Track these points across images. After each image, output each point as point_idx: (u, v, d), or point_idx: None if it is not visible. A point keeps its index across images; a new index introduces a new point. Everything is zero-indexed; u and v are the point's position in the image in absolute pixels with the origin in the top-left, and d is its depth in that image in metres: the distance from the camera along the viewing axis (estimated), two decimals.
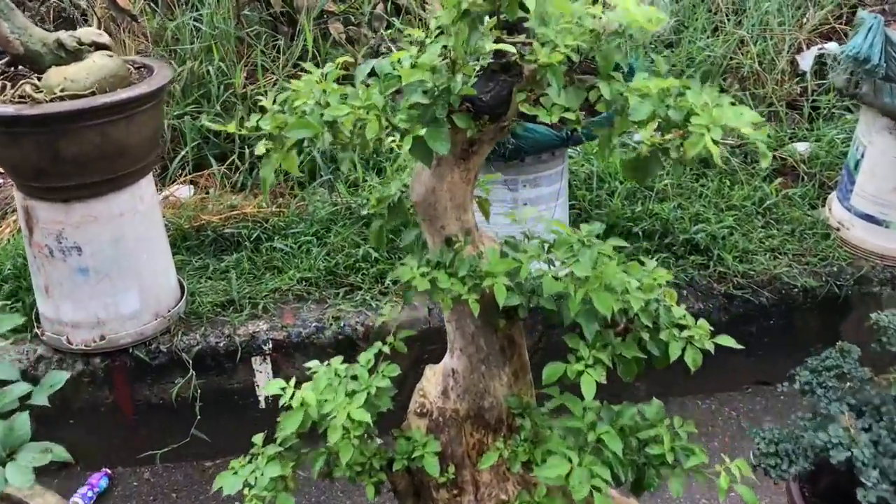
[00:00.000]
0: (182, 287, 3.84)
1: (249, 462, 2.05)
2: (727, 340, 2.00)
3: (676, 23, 5.06)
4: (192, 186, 4.42)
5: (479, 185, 2.07)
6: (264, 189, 1.80)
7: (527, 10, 1.53)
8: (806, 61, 4.96)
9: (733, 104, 1.62)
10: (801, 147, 4.69)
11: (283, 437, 2.00)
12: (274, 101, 1.80)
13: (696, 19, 5.03)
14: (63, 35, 3.27)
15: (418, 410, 2.07)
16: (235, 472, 2.01)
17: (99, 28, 4.54)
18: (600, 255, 1.89)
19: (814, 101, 4.95)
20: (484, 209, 2.12)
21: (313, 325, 3.72)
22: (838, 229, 4.15)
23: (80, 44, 3.31)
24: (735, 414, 4.05)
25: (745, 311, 3.96)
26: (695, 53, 4.92)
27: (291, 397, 1.96)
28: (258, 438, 2.09)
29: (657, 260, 3.99)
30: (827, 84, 4.89)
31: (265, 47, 4.73)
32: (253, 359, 3.70)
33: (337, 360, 2.10)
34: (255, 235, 4.12)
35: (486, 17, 1.62)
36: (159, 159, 4.37)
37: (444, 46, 1.70)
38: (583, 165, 4.32)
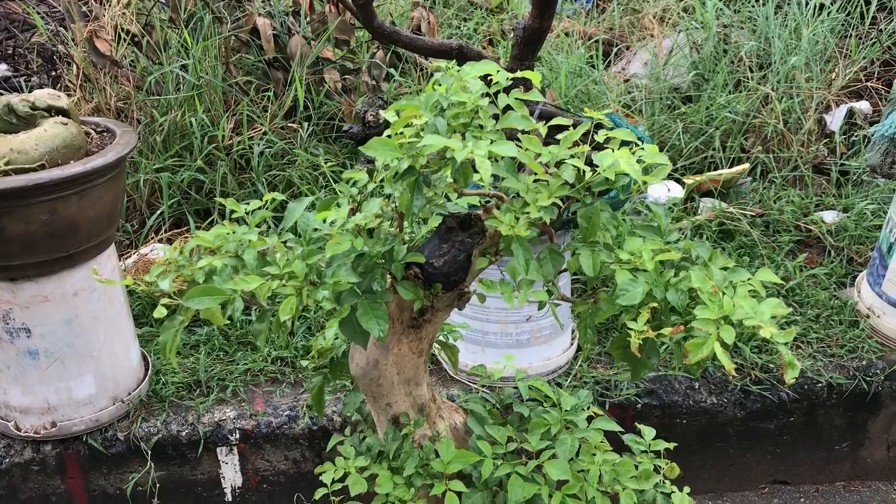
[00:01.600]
0: (146, 363, 3.49)
1: None
2: None
3: (696, 76, 4.67)
4: (168, 246, 4.08)
5: (444, 332, 1.70)
6: (164, 355, 1.43)
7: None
8: (835, 121, 4.55)
9: (753, 293, 1.24)
10: (828, 216, 4.28)
11: None
12: (181, 252, 1.44)
13: (718, 73, 4.64)
14: (13, 99, 2.94)
15: None
16: None
17: (77, 74, 4.22)
18: (584, 443, 1.51)
19: (842, 164, 4.54)
20: (451, 359, 1.75)
21: (285, 413, 3.36)
22: (868, 316, 3.74)
23: (34, 108, 2.98)
24: None
25: (762, 406, 3.55)
26: (715, 111, 4.52)
27: None
28: None
29: (666, 348, 3.60)
30: (856, 147, 4.48)
31: (255, 96, 4.39)
32: (218, 449, 3.35)
33: None
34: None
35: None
36: (118, 231, 4.04)
37: (391, 195, 1.33)
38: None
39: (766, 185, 4.53)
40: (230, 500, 3.43)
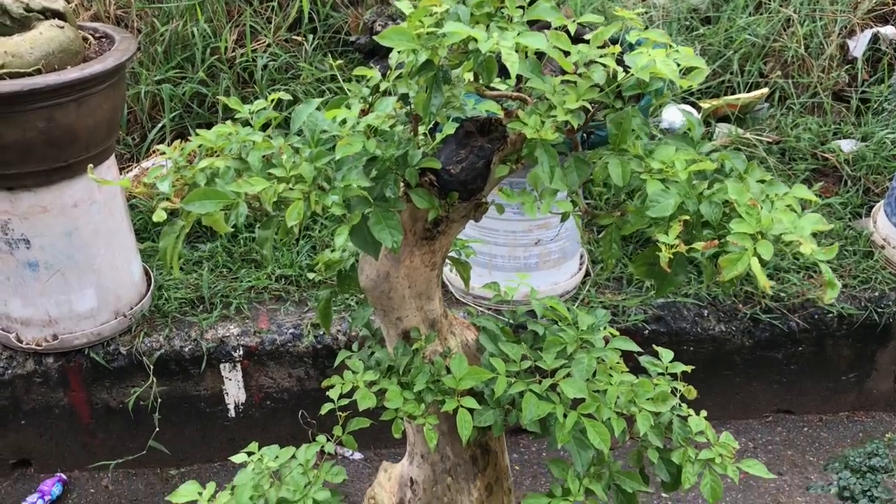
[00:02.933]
0: (149, 278, 3.43)
1: None
2: (757, 468, 1.57)
3: None
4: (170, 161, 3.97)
5: (456, 248, 1.62)
6: (165, 262, 1.36)
7: (507, 74, 1.06)
8: (858, 47, 4.38)
9: (791, 208, 1.15)
10: (846, 145, 4.16)
11: None
12: (181, 152, 1.35)
13: None
14: (6, 0, 2.80)
15: None
16: None
17: None
18: (601, 363, 1.44)
19: (863, 92, 4.40)
20: (463, 275, 1.67)
21: (290, 331, 3.31)
22: (883, 247, 3.66)
23: (28, 10, 2.84)
24: (752, 445, 3.63)
25: (771, 335, 3.50)
26: (734, 33, 4.35)
27: None
28: None
29: None
30: (880, 74, 4.33)
31: (259, 6, 4.23)
32: (222, 365, 3.31)
33: (269, 453, 1.68)
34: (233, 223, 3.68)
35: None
36: (119, 142, 3.93)
37: (405, 96, 1.23)
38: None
39: (783, 111, 4.39)
40: (233, 416, 3.41)
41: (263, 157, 1.26)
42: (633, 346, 1.53)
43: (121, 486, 3.48)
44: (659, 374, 1.61)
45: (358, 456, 3.58)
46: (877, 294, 3.53)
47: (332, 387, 1.48)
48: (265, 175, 1.21)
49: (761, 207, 1.15)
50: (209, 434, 3.41)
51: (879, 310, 3.50)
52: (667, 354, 1.64)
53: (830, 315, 3.48)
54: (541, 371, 1.45)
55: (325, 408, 1.66)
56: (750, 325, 3.49)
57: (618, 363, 1.54)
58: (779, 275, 3.56)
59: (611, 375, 1.46)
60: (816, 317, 3.49)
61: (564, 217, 1.29)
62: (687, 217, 1.17)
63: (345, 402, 1.68)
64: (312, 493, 1.59)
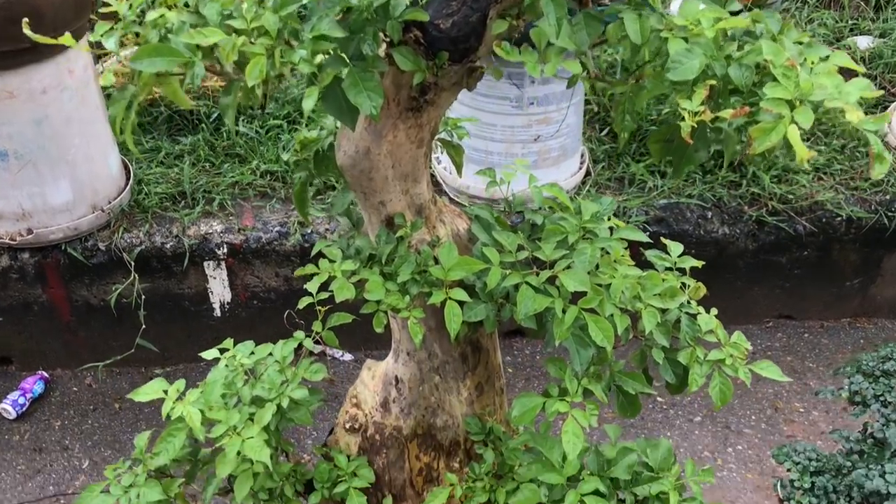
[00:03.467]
0: (127, 172, 3.26)
1: (129, 470, 1.55)
2: (771, 371, 1.44)
3: None
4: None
5: (447, 128, 1.45)
6: (115, 132, 1.19)
7: None
8: None
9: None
10: (862, 42, 3.94)
11: (157, 466, 1.49)
12: (130, 6, 1.17)
13: None
14: None
15: (349, 424, 1.55)
16: (105, 491, 1.51)
17: None
18: (605, 255, 1.30)
19: None
20: (455, 160, 1.51)
21: (275, 229, 3.16)
22: None
23: None
24: (751, 351, 3.54)
25: (776, 238, 3.36)
26: None
27: (171, 409, 1.43)
28: (142, 439, 1.58)
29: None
30: None
31: None
32: (205, 263, 3.17)
33: (244, 349, 1.56)
34: (216, 114, 3.49)
35: None
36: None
37: None
38: (605, 52, 3.60)
39: (798, 4, 4.14)
40: (219, 314, 3.30)
41: (223, 10, 1.08)
42: (640, 236, 1.38)
43: (104, 385, 3.39)
44: (667, 268, 1.47)
45: (348, 357, 3.48)
46: (888, 197, 3.38)
47: (309, 278, 1.34)
48: (224, 27, 1.03)
49: (799, 70, 0.99)
50: (195, 333, 3.30)
51: (890, 213, 3.35)
52: (676, 248, 1.49)
53: (839, 218, 3.34)
54: (538, 263, 1.31)
55: (304, 301, 1.52)
56: (755, 228, 3.34)
57: (623, 256, 1.40)
58: (787, 176, 3.39)
59: (615, 268, 1.32)
60: (824, 220, 3.34)
61: (572, 82, 1.11)
62: (713, 82, 1.01)
63: (324, 295, 1.54)
64: (289, 392, 1.47)
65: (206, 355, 1.57)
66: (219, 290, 3.25)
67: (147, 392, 1.44)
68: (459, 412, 1.52)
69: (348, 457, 1.54)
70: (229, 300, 3.27)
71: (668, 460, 1.45)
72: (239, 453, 1.40)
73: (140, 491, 1.50)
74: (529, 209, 1.44)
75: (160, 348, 3.28)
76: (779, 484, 1.73)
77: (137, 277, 3.11)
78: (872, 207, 3.35)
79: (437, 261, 1.27)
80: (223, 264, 3.18)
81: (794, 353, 3.54)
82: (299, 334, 1.54)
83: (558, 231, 1.30)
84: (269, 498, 1.53)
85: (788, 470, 1.74)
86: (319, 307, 1.53)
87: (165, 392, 1.45)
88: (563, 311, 1.24)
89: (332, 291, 1.36)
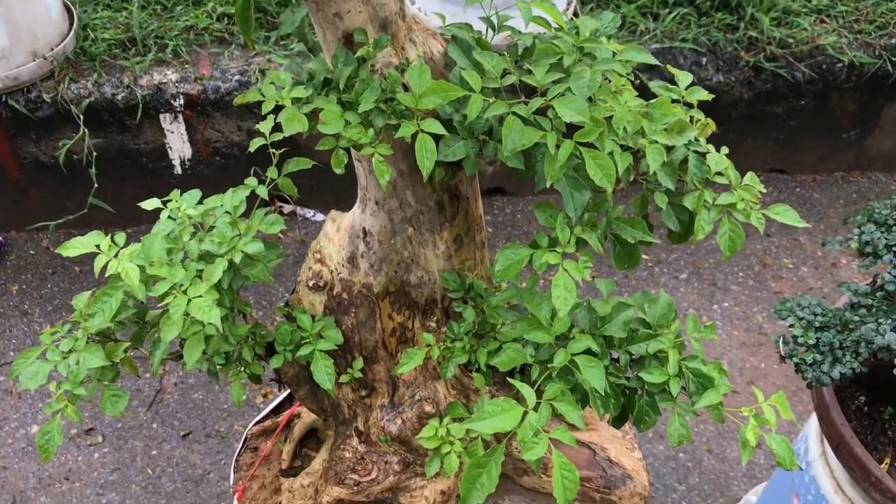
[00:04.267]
0: (70, 16, 2.95)
1: (69, 334, 1.38)
2: (788, 216, 1.27)
3: None
4: None
5: None
6: None
7: None
8: None
9: None
10: None
11: (98, 329, 1.32)
12: None
13: None
14: None
15: (312, 282, 1.38)
16: (41, 357, 1.34)
17: None
18: (605, 82, 1.09)
19: None
20: None
21: (235, 78, 2.90)
22: None
23: None
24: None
25: (773, 86, 3.14)
26: None
27: (106, 265, 1.24)
28: (81, 300, 1.40)
29: (675, 16, 3.11)
30: None
31: None
32: (161, 116, 2.93)
33: (191, 199, 1.36)
34: None
35: None
36: None
37: None
38: None
39: None
40: (179, 172, 3.08)
41: None
42: (648, 58, 1.17)
43: None
44: (673, 101, 1.27)
45: (320, 217, 3.30)
46: (893, 41, 3.15)
47: (250, 109, 1.12)
48: None
49: None
50: (154, 192, 3.00)
51: (894, 59, 3.13)
52: (684, 77, 1.29)
53: (840, 64, 3.12)
54: (528, 90, 1.11)
55: (255, 144, 1.32)
56: (751, 76, 3.12)
57: (624, 86, 1.19)
58: (787, 18, 3.14)
59: (616, 98, 1.12)
60: (825, 66, 3.12)
61: None
62: None
63: (278, 136, 1.33)
64: (241, 245, 1.29)
65: (145, 205, 1.38)
66: (178, 145, 3.01)
67: (77, 246, 1.25)
68: (436, 267, 1.35)
69: (313, 317, 1.38)
70: (190, 156, 3.05)
71: (668, 316, 1.30)
72: (187, 315, 1.23)
73: (80, 357, 1.33)
74: (516, 30, 1.22)
75: (118, 208, 3.08)
76: (780, 340, 1.61)
77: (87, 132, 2.87)
78: (876, 52, 3.12)
79: (406, 87, 1.07)
80: (180, 117, 2.93)
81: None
82: (251, 181, 1.35)
83: (551, 51, 1.09)
84: (225, 362, 1.38)
85: (791, 326, 1.61)
86: (273, 150, 1.33)
87: (98, 247, 1.26)
88: (557, 147, 1.04)
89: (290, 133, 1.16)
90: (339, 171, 1.07)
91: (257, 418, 1.75)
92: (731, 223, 1.26)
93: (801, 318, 1.61)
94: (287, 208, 3.29)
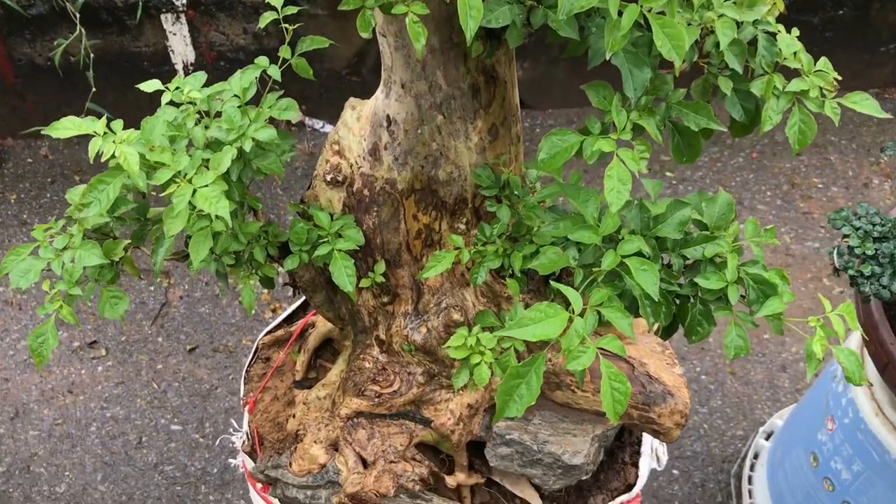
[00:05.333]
0: None
1: (61, 232, 1.25)
2: (868, 105, 1.12)
3: None
4: None
5: None
6: None
7: None
8: None
9: None
10: None
11: (95, 224, 1.19)
12: None
13: None
14: None
15: (330, 176, 1.24)
16: (33, 254, 1.21)
17: None
18: None
19: None
20: None
21: None
22: None
23: None
24: (764, 140, 3.22)
25: None
26: None
27: (99, 152, 1.10)
28: (75, 193, 1.26)
29: None
30: None
31: None
32: (163, 16, 2.75)
33: (195, 81, 1.22)
34: None
35: None
36: None
37: None
38: None
39: None
40: (183, 77, 2.91)
41: None
42: None
43: (62, 156, 3.06)
44: None
45: (329, 128, 3.14)
46: None
47: (256, 10, 0.97)
48: None
49: None
50: (157, 99, 2.92)
51: None
52: None
53: None
54: None
55: (264, 20, 1.17)
56: None
57: None
58: None
59: None
60: None
61: None
62: None
63: (292, 9, 1.18)
64: (252, 132, 1.15)
65: (144, 87, 1.24)
66: (180, 48, 2.84)
67: (69, 126, 1.11)
68: (467, 161, 1.21)
69: (331, 216, 1.25)
70: (193, 61, 2.87)
71: (727, 217, 1.16)
72: (192, 208, 1.10)
73: (76, 254, 1.20)
74: None
75: (119, 115, 2.91)
76: (835, 252, 1.48)
77: (84, 32, 2.68)
78: None
79: None
80: (183, 18, 2.75)
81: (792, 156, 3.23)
82: (262, 60, 1.20)
83: None
84: (235, 263, 1.25)
85: (846, 236, 1.48)
86: (287, 25, 1.18)
87: (94, 133, 1.12)
88: (620, 13, 0.89)
89: (302, 7, 1.01)
90: (365, 34, 0.92)
91: (269, 327, 1.63)
92: (802, 113, 1.11)
93: (857, 228, 1.47)
94: (295, 118, 3.12)
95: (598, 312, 1.05)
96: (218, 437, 2.43)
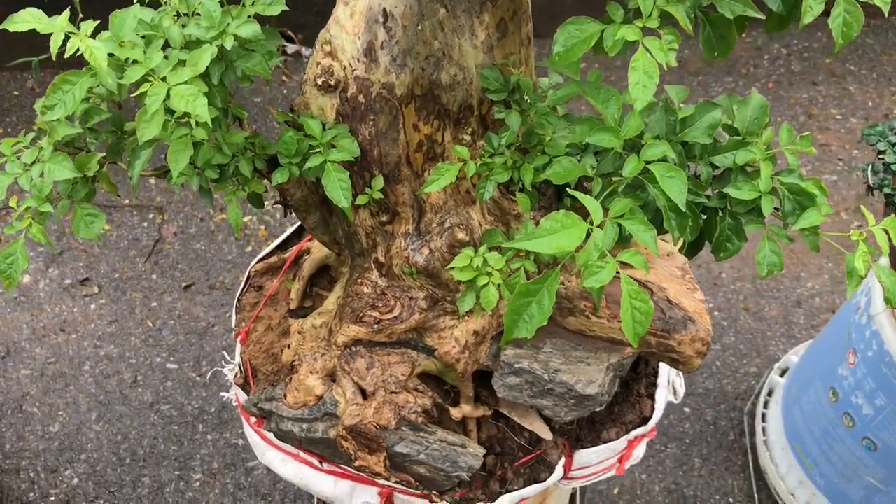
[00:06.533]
0: None
1: (31, 146, 1.14)
2: None
3: None
4: None
5: None
6: None
7: None
8: None
9: None
10: None
11: (65, 135, 1.08)
12: None
13: None
14: None
15: (321, 80, 1.12)
16: None
17: None
18: None
19: None
20: None
21: None
22: None
23: None
24: (785, 52, 3.07)
25: None
26: None
27: (64, 45, 0.99)
28: (42, 102, 1.15)
29: None
30: None
31: None
32: None
33: None
34: None
35: None
36: None
37: None
38: None
39: None
40: None
41: None
42: None
43: None
44: None
45: None
46: None
47: None
48: None
49: None
50: None
51: None
52: None
53: None
54: None
55: None
56: None
57: None
58: None
59: None
60: None
61: None
62: None
63: None
64: (234, 28, 1.03)
65: None
66: None
67: (26, 20, 0.99)
68: (473, 62, 1.09)
69: (323, 125, 1.14)
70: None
71: (761, 121, 1.05)
72: (170, 113, 0.99)
73: (45, 167, 1.09)
74: None
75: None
76: (869, 169, 1.36)
77: None
78: None
79: None
80: None
81: (833, 54, 3.08)
82: None
83: None
84: (219, 177, 1.14)
85: (881, 153, 1.36)
86: None
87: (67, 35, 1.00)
88: None
89: None
90: None
91: (261, 254, 1.53)
92: (847, 2, 0.99)
93: (893, 144, 1.36)
94: (291, 48, 2.98)
95: (619, 225, 0.95)
96: (215, 375, 2.35)
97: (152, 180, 2.74)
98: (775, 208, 1.04)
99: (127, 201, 2.70)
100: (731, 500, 2.18)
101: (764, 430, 2.22)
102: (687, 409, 2.31)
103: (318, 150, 1.11)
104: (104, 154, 1.16)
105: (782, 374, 2.30)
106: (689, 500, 2.18)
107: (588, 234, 0.92)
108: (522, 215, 1.17)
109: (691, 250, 1.08)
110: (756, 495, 2.18)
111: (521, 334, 0.97)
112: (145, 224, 2.65)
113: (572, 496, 2.13)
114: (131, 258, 2.58)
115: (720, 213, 1.05)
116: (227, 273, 2.56)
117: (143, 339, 2.43)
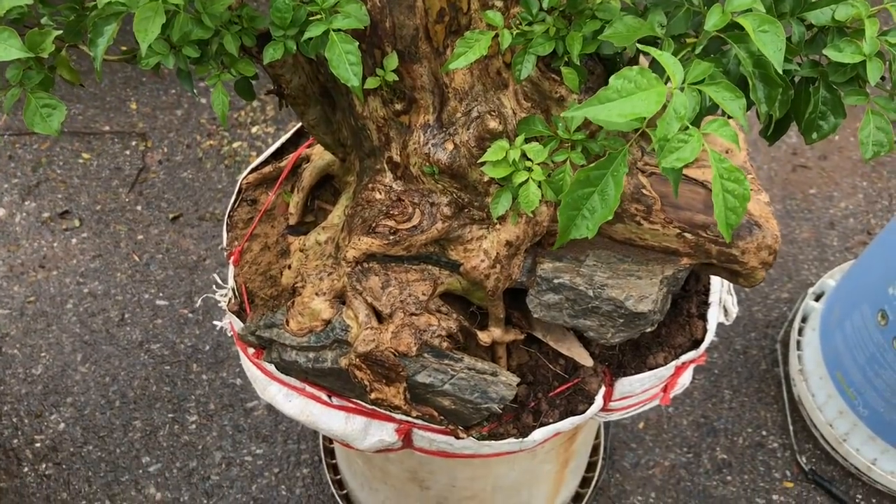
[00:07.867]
0: None
1: None
2: None
3: None
4: None
5: None
6: None
7: None
8: None
9: None
10: None
11: (11, 4, 0.87)
12: None
13: None
14: None
15: None
16: None
17: None
18: None
19: None
20: None
21: None
22: None
23: None
24: None
25: None
26: None
27: None
28: None
29: None
30: None
31: None
32: None
33: None
34: None
35: None
36: None
37: None
38: None
39: None
40: None
41: None
42: None
43: None
44: None
45: None
46: None
47: None
48: None
49: None
50: None
51: None
52: None
53: None
54: None
55: None
56: None
57: None
58: None
59: None
60: None
61: None
62: None
63: None
64: None
65: None
66: None
67: None
68: None
69: None
70: None
71: None
72: None
73: None
74: None
75: None
76: None
77: None
78: None
79: None
80: None
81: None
82: None
83: None
84: (200, 57, 0.94)
85: None
86: None
87: None
88: None
89: None
90: None
91: (254, 163, 1.33)
92: (876, 117, 0.80)
93: None
94: None
95: (700, 92, 0.75)
96: (208, 311, 2.17)
97: (133, 104, 2.52)
98: (881, 77, 0.84)
99: (107, 128, 2.48)
100: (763, 432, 2.03)
101: (799, 358, 2.06)
102: (715, 338, 2.15)
103: (319, 16, 0.90)
104: (60, 32, 0.95)
105: (817, 298, 2.13)
106: (720, 433, 2.03)
107: (664, 103, 0.72)
108: (566, 98, 0.97)
109: (775, 133, 0.89)
110: (791, 427, 2.03)
111: (580, 234, 0.79)
112: (128, 152, 2.44)
113: (597, 431, 1.97)
114: (114, 189, 2.38)
115: (814, 84, 0.85)
116: (218, 203, 2.36)
117: (129, 274, 2.24)
